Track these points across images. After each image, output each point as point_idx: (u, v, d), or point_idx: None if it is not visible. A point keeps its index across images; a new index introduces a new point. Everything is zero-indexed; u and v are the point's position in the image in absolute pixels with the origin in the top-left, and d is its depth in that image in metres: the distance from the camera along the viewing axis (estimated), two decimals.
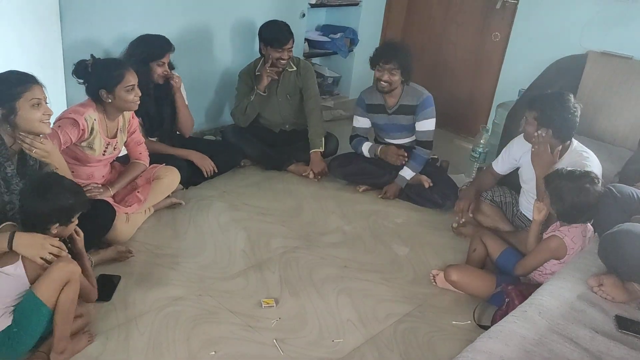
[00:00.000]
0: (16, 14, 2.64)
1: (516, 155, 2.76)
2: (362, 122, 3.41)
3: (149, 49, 2.94)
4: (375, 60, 3.15)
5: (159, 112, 3.12)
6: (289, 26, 3.42)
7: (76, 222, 1.98)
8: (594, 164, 2.48)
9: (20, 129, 1.99)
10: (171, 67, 3.04)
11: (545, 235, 2.35)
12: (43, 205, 1.86)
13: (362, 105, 3.37)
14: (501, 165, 2.88)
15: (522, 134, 2.69)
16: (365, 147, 3.39)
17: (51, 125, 2.36)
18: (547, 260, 2.30)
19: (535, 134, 2.51)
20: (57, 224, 1.90)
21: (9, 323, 1.81)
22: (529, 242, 2.41)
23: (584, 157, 2.52)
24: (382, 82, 3.16)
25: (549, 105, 2.49)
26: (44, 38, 2.79)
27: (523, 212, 2.83)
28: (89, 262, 2.16)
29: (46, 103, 2.04)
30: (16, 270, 1.82)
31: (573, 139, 2.59)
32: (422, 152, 3.29)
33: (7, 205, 2.03)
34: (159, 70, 2.98)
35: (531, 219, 2.49)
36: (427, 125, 3.25)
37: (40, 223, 1.88)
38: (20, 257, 1.83)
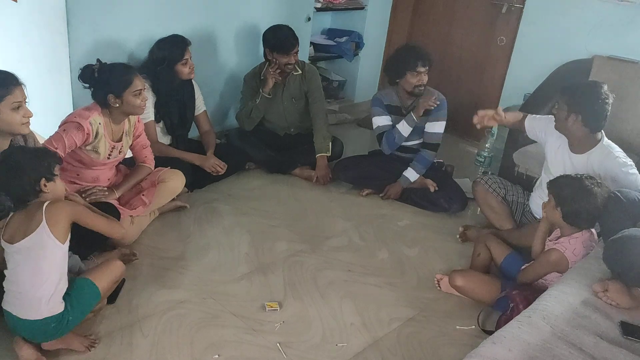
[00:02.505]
0: (23, 17, 2.66)
1: (546, 130, 2.64)
2: (384, 120, 3.31)
3: (169, 54, 3.01)
4: (413, 65, 3.11)
5: (181, 115, 3.21)
6: (293, 30, 3.43)
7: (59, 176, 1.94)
8: (626, 157, 2.44)
9: None
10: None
11: (547, 242, 2.34)
12: (20, 173, 1.83)
13: (380, 105, 3.32)
14: (534, 123, 2.71)
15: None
16: (402, 127, 3.24)
17: (54, 126, 2.38)
18: (549, 273, 2.30)
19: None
20: (44, 180, 1.86)
21: (62, 309, 1.86)
22: (535, 241, 2.39)
23: (615, 149, 2.47)
24: (421, 87, 3.16)
25: (581, 90, 2.45)
26: (50, 41, 2.80)
27: (533, 210, 2.80)
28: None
29: (25, 103, 2.02)
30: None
31: (604, 135, 2.51)
32: (427, 155, 3.29)
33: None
34: (185, 70, 3.07)
35: (539, 219, 2.47)
36: (437, 127, 3.26)
37: (29, 191, 1.85)
38: (43, 220, 1.82)
